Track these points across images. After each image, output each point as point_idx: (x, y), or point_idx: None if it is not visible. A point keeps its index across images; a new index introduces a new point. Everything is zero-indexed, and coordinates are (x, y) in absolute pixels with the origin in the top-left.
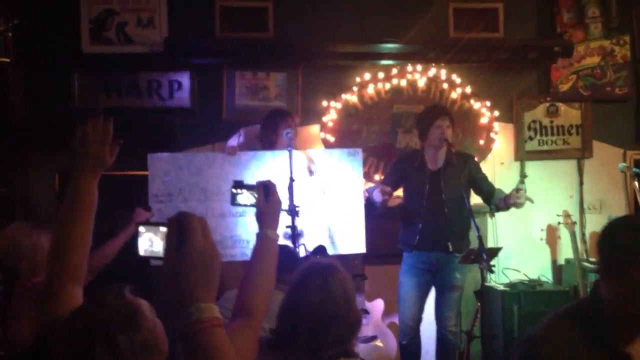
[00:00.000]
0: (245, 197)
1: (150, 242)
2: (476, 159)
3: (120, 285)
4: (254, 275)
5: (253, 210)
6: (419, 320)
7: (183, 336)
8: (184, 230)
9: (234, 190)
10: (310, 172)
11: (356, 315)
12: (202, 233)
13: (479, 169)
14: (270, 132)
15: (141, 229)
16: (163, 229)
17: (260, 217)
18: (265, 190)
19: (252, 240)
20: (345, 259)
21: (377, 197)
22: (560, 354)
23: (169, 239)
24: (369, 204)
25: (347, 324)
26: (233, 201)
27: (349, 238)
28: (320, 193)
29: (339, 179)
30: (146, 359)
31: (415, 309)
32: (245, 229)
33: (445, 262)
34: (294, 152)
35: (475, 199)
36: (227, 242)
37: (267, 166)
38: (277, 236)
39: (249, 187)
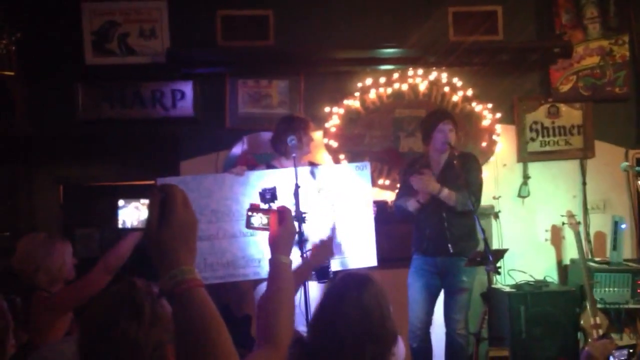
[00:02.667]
0: (258, 219)
1: (132, 214)
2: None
3: (148, 282)
4: (271, 302)
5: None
6: (427, 322)
7: (169, 297)
8: (166, 201)
9: (249, 213)
10: (318, 190)
11: (392, 331)
12: (183, 203)
13: (473, 167)
14: (279, 141)
15: (121, 202)
16: (144, 201)
17: (273, 243)
18: (280, 216)
19: (264, 259)
20: None
21: (412, 206)
22: None
23: (151, 210)
24: (399, 213)
25: (382, 340)
26: (248, 224)
27: (360, 252)
28: (330, 208)
29: (349, 193)
30: (164, 328)
31: (423, 310)
32: (257, 248)
33: (451, 266)
34: (305, 168)
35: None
36: (239, 262)
37: (274, 182)
38: (291, 261)
39: (263, 211)
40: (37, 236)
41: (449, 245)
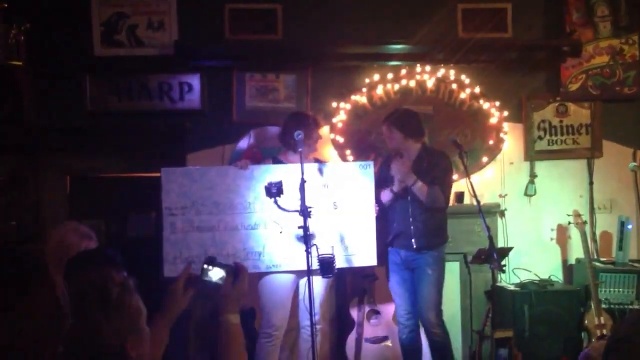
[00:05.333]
0: (215, 273)
1: (214, 275)
2: (484, 159)
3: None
4: None
5: (264, 223)
6: (414, 313)
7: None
8: (237, 275)
9: (204, 266)
10: (324, 186)
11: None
12: (242, 278)
13: (443, 168)
14: (288, 136)
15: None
16: (222, 270)
17: (223, 300)
18: (235, 273)
19: (264, 253)
20: None
21: (386, 197)
22: None
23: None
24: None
25: None
26: (203, 276)
27: (361, 251)
28: (333, 207)
29: (351, 192)
30: (129, 319)
31: (408, 302)
32: (257, 241)
33: (416, 260)
34: (312, 165)
35: (485, 199)
36: (239, 255)
37: (279, 178)
38: (238, 320)
39: (220, 265)
40: (78, 230)
41: (412, 240)
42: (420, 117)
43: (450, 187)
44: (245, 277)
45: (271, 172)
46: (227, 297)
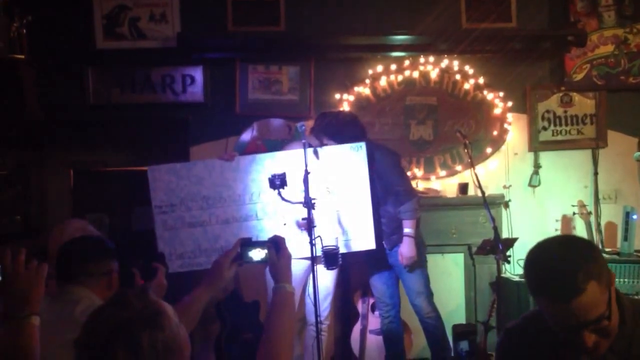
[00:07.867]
0: (256, 253)
1: (254, 255)
2: (488, 150)
3: (144, 286)
4: (276, 329)
5: (255, 214)
6: (392, 305)
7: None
8: (278, 246)
9: (242, 248)
10: (317, 171)
11: None
12: (283, 247)
13: (387, 163)
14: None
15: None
16: (261, 248)
17: (275, 272)
18: (276, 245)
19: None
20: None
21: None
22: (523, 347)
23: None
24: None
25: None
26: (245, 259)
27: (358, 235)
28: (326, 191)
29: (344, 175)
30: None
31: (383, 297)
32: (249, 233)
33: (390, 255)
34: (299, 151)
35: (489, 190)
36: None
37: (267, 169)
38: (294, 289)
39: (258, 244)
40: (86, 228)
41: (383, 242)
42: (360, 121)
43: (401, 173)
44: (285, 245)
45: (257, 163)
46: (276, 269)
